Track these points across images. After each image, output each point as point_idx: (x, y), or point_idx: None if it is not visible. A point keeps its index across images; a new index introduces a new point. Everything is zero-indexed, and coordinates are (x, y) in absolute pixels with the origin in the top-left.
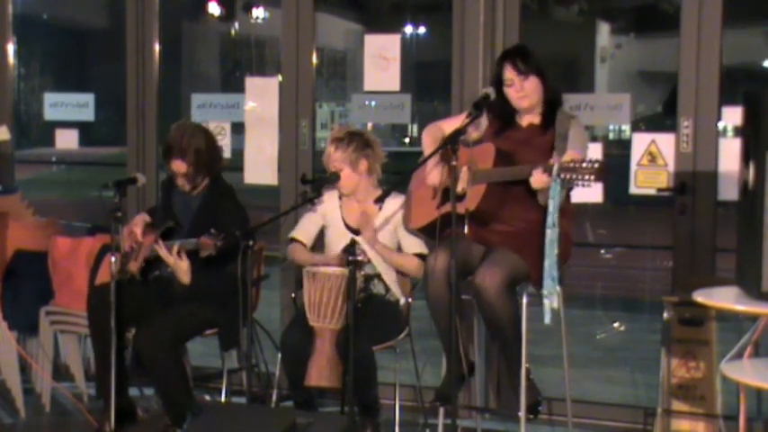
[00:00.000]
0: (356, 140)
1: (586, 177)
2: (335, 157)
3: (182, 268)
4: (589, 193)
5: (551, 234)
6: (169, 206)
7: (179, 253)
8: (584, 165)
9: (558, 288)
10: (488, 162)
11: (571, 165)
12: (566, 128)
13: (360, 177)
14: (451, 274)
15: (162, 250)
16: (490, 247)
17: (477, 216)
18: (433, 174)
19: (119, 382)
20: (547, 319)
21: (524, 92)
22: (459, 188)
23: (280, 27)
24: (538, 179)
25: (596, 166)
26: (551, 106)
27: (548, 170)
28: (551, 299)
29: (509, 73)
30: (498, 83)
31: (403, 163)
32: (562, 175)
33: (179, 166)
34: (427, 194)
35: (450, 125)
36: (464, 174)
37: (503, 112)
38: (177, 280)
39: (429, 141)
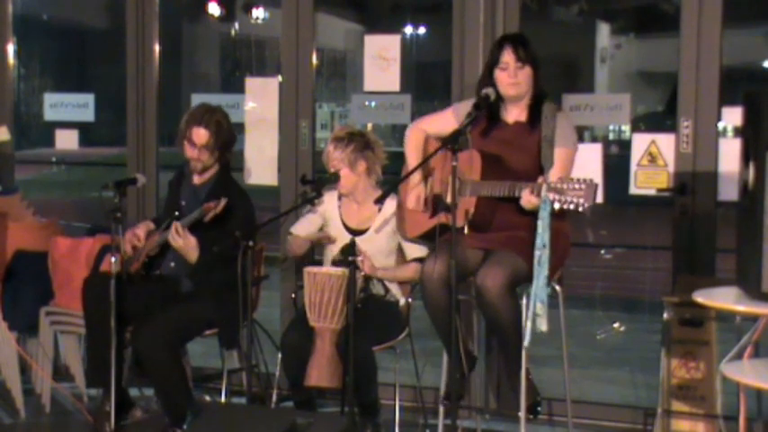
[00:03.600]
0: (356, 141)
1: (574, 200)
2: (334, 157)
3: (190, 245)
4: None
5: (540, 255)
6: (176, 201)
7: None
8: (573, 186)
9: (546, 307)
10: (476, 172)
11: (559, 186)
12: (551, 128)
13: (358, 178)
14: (451, 276)
15: (169, 234)
16: (490, 250)
17: (472, 226)
18: (410, 197)
19: (116, 376)
20: (526, 342)
21: (516, 79)
22: (448, 199)
23: (280, 27)
24: (527, 201)
25: (583, 187)
26: (537, 100)
27: (536, 190)
28: (539, 321)
29: (507, 56)
30: (491, 65)
31: (403, 163)
32: (551, 197)
33: (200, 135)
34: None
35: (432, 123)
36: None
37: (490, 105)
38: (183, 275)
39: (412, 148)
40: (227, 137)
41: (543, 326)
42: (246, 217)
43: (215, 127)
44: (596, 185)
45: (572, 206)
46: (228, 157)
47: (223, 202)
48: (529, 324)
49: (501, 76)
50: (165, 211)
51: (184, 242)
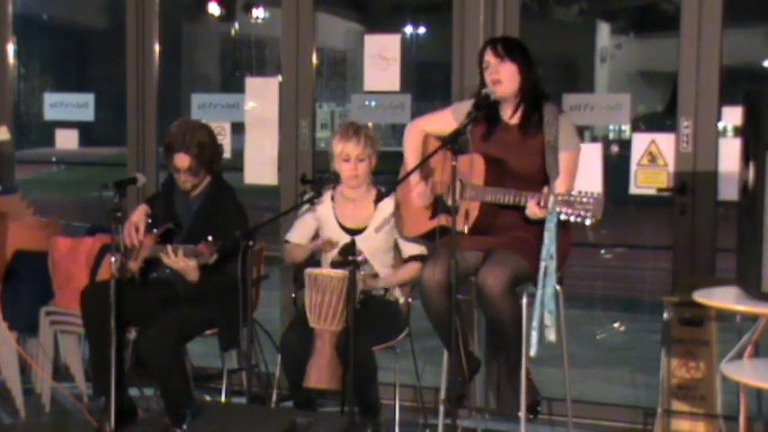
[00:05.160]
0: (370, 136)
1: (581, 214)
2: (354, 148)
3: (189, 267)
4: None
5: (547, 266)
6: (170, 206)
7: (185, 254)
8: (581, 200)
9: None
10: (479, 176)
11: (567, 199)
12: (554, 132)
13: (368, 172)
14: (451, 278)
15: (168, 258)
16: (491, 250)
17: (474, 230)
18: (418, 190)
19: (118, 381)
20: (533, 352)
21: (497, 76)
22: (450, 201)
23: (280, 27)
24: (533, 212)
25: (591, 201)
26: (535, 102)
27: (543, 201)
28: (547, 332)
29: (487, 55)
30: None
31: (401, 163)
32: (558, 209)
33: (182, 160)
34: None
35: (431, 122)
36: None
37: (488, 107)
38: (179, 281)
39: (411, 149)
40: (212, 154)
41: (552, 336)
42: (240, 226)
43: (196, 149)
44: (603, 200)
45: (579, 219)
46: (220, 166)
47: (215, 256)
48: (535, 334)
49: (486, 77)
50: (162, 215)
51: (186, 267)
